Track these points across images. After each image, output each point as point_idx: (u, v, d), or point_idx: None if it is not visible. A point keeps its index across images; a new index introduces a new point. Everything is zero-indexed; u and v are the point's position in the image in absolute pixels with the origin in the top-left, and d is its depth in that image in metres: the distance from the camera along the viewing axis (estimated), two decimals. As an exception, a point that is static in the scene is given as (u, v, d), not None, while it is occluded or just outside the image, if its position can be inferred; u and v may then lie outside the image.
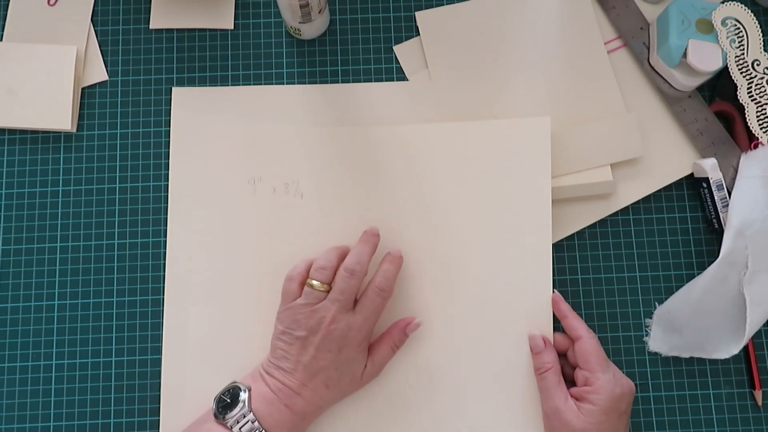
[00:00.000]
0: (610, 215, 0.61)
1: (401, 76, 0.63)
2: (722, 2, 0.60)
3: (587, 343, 0.52)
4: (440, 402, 0.57)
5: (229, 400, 0.51)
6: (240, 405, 0.50)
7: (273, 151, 0.60)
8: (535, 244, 0.58)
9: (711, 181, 0.58)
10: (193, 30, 0.64)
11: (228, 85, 0.62)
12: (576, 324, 0.54)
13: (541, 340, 0.55)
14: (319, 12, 0.60)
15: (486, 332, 0.57)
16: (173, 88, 0.62)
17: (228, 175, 0.60)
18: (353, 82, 0.63)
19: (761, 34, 0.59)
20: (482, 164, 0.59)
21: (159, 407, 0.57)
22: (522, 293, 0.57)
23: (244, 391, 0.51)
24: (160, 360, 0.58)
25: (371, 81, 0.63)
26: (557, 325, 0.56)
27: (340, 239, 0.57)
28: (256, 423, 0.49)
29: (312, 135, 0.60)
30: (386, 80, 0.63)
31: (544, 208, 0.58)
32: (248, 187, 0.60)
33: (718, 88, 0.62)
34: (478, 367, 0.57)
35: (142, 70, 0.63)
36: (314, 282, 0.52)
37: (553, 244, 0.59)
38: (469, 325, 0.57)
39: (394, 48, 0.64)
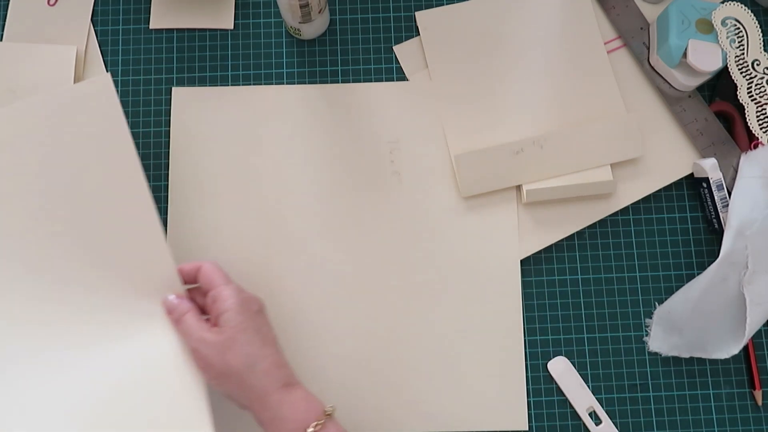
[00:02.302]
0: (610, 215, 0.61)
1: (401, 76, 0.63)
2: (722, 2, 0.60)
3: (207, 267, 0.52)
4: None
5: None
6: None
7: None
8: None
9: (711, 181, 0.58)
10: (193, 30, 0.64)
11: (228, 85, 0.62)
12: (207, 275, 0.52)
13: (173, 299, 0.53)
14: (319, 12, 0.60)
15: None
16: (173, 88, 0.62)
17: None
18: (353, 82, 0.63)
19: (761, 34, 0.59)
20: None
21: (159, 407, 0.57)
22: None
23: None
24: (160, 360, 0.58)
25: (371, 81, 0.63)
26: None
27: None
28: None
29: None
30: (386, 80, 0.63)
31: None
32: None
33: (718, 88, 0.62)
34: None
35: (142, 70, 0.63)
36: None
37: (553, 244, 0.60)
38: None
39: (394, 48, 0.64)
